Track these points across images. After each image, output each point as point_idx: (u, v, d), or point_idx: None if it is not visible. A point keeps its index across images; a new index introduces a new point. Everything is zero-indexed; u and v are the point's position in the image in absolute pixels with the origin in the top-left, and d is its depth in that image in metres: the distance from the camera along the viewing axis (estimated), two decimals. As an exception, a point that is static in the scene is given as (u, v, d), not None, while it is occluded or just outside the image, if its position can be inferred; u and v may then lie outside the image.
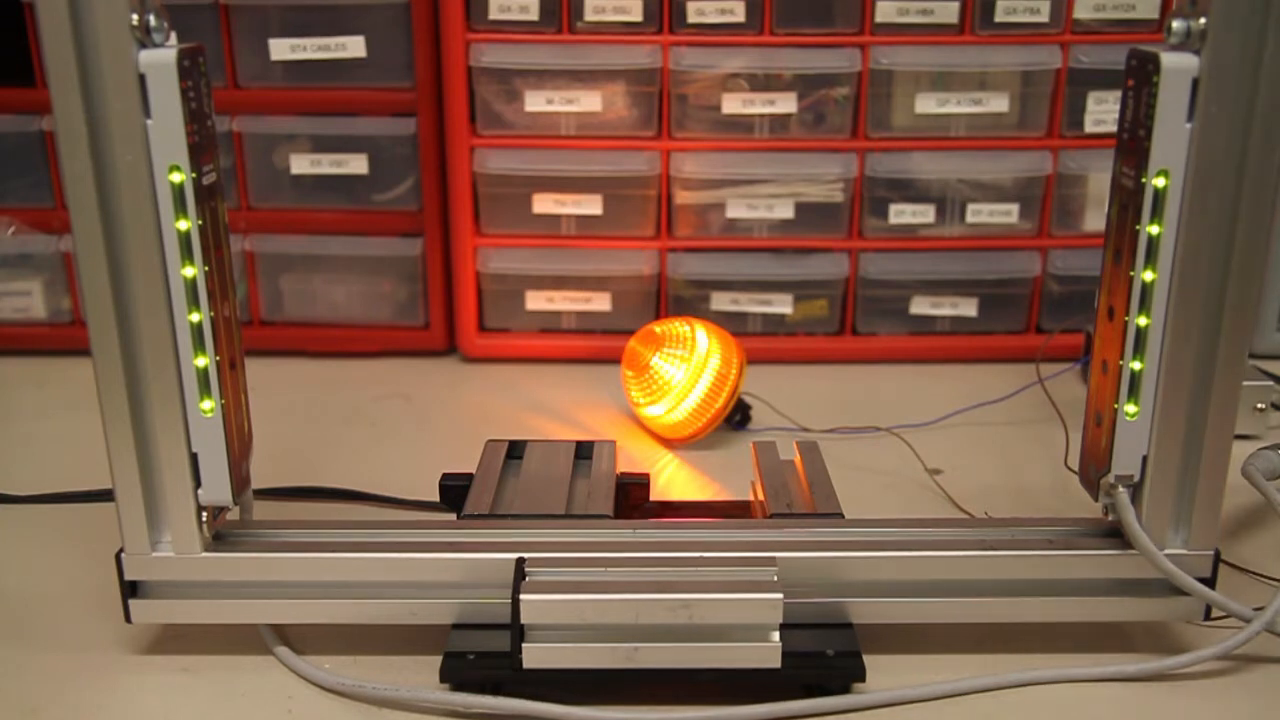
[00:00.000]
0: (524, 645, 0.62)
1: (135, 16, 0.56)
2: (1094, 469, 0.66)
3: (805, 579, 0.65)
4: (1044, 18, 1.08)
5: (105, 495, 0.65)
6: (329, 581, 0.66)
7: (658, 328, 0.98)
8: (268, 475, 0.87)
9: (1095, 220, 1.15)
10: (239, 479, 0.65)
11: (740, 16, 1.09)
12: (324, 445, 0.98)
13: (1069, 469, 0.90)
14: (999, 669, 0.65)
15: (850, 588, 0.66)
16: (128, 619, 0.66)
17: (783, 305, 1.17)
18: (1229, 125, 0.58)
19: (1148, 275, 0.61)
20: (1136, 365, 0.62)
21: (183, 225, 0.59)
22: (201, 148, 0.59)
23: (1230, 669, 0.66)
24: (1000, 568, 0.66)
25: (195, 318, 0.61)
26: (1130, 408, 0.63)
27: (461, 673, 0.63)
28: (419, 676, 0.65)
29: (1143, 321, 0.61)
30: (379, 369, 1.17)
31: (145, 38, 0.57)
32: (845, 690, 0.63)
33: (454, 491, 0.79)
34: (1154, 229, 0.60)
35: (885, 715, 0.63)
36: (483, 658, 0.63)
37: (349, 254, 1.17)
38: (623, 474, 0.81)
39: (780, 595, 0.61)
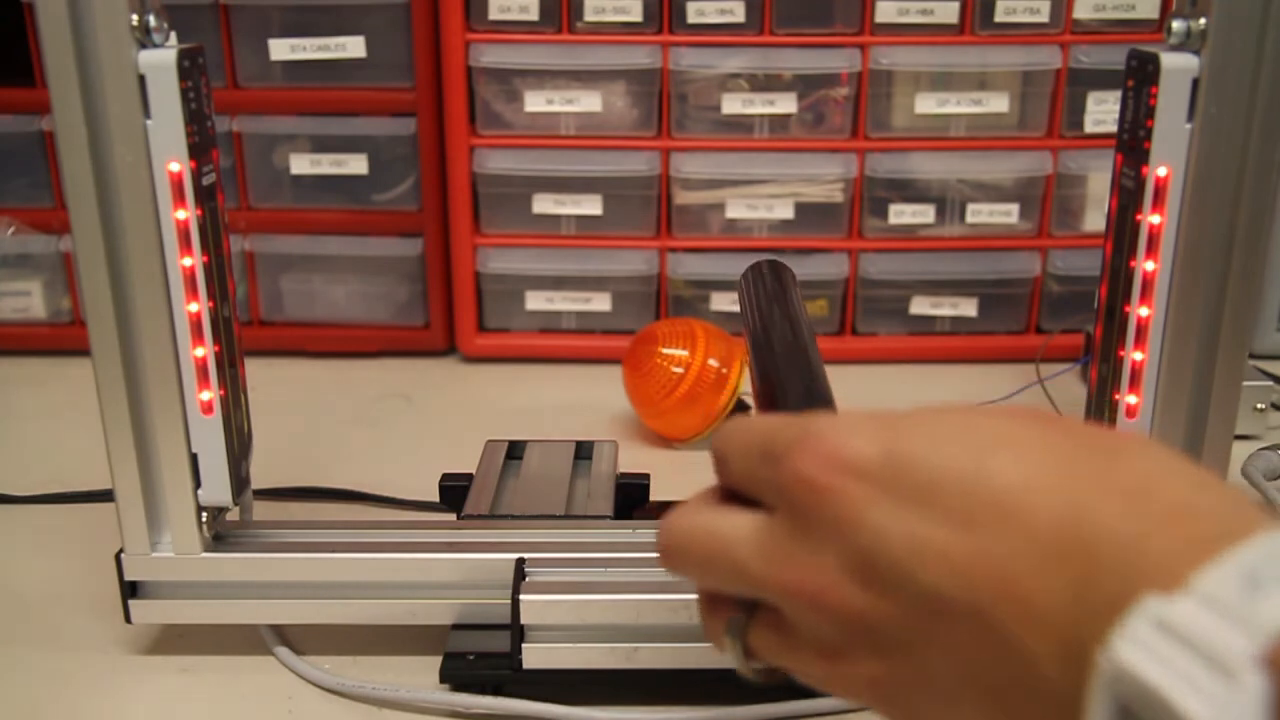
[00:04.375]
0: (524, 645, 0.62)
1: (135, 17, 0.56)
2: (1094, 469, 0.66)
3: (805, 579, 0.65)
4: (1044, 18, 1.08)
5: (105, 495, 0.65)
6: (329, 581, 0.66)
7: (658, 328, 0.98)
8: (268, 475, 0.87)
9: (1095, 220, 1.15)
10: (239, 479, 0.65)
11: (740, 16, 1.09)
12: (324, 445, 0.98)
13: (1069, 469, 0.90)
14: (999, 669, 0.65)
15: (850, 588, 0.66)
16: (128, 619, 0.66)
17: (783, 305, 1.17)
18: (1229, 125, 0.58)
19: (1148, 271, 0.61)
20: (1136, 363, 0.62)
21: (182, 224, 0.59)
22: (201, 148, 0.60)
23: (1230, 669, 0.66)
24: (1000, 568, 0.66)
25: (195, 317, 0.61)
26: (1130, 400, 0.63)
27: (461, 673, 0.63)
28: (419, 676, 0.65)
29: (1143, 320, 0.61)
30: (379, 369, 1.17)
31: (145, 38, 0.57)
32: (845, 690, 0.63)
33: (454, 491, 0.78)
34: (1154, 229, 0.60)
35: (885, 715, 0.63)
36: (483, 658, 0.64)
37: (349, 254, 1.17)
38: (623, 474, 0.81)
39: (780, 595, 0.61)
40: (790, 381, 0.48)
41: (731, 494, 0.38)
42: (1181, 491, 0.30)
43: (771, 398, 0.47)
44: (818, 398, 0.45)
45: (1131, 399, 0.63)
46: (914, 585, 0.31)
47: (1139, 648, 0.25)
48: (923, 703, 0.33)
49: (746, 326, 0.57)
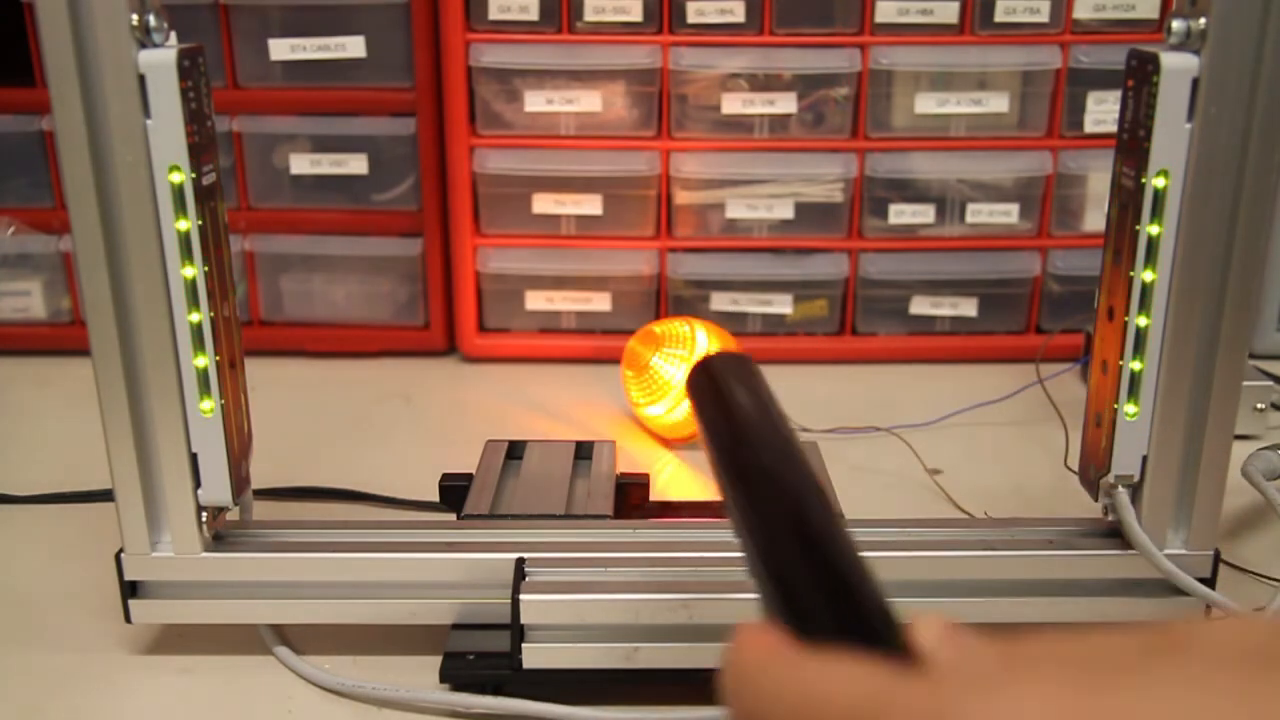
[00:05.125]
0: (524, 645, 0.62)
1: (135, 16, 0.56)
2: (1094, 469, 0.66)
3: (805, 579, 0.65)
4: (1044, 18, 1.08)
5: (105, 495, 0.65)
6: (329, 581, 0.66)
7: (657, 328, 0.98)
8: (268, 475, 0.87)
9: (1095, 220, 1.15)
10: (239, 479, 0.65)
11: (740, 16, 1.09)
12: (324, 445, 0.98)
13: (1069, 469, 0.90)
14: (999, 669, 0.65)
15: (850, 588, 0.66)
16: (128, 619, 0.66)
17: (782, 305, 1.17)
18: (1229, 125, 0.58)
19: (1147, 275, 0.61)
20: (1136, 365, 0.62)
21: (182, 225, 0.59)
22: (201, 148, 0.60)
23: (1230, 669, 0.66)
24: (1000, 568, 0.66)
25: (195, 318, 0.61)
26: (1130, 408, 0.63)
27: (461, 673, 0.63)
28: (419, 676, 0.65)
29: (1142, 322, 0.61)
30: (379, 369, 1.17)
31: (145, 38, 0.57)
32: (845, 690, 0.63)
33: (454, 491, 0.79)
34: (1154, 229, 0.60)
35: (885, 715, 0.63)
36: (483, 658, 0.64)
37: (349, 254, 1.17)
38: (623, 474, 0.81)
39: (780, 595, 0.61)
40: (844, 594, 0.29)
41: None
42: None
43: (808, 613, 0.29)
44: (892, 623, 0.28)
45: (1131, 400, 0.63)
46: None
47: None
48: None
49: (719, 471, 0.37)
